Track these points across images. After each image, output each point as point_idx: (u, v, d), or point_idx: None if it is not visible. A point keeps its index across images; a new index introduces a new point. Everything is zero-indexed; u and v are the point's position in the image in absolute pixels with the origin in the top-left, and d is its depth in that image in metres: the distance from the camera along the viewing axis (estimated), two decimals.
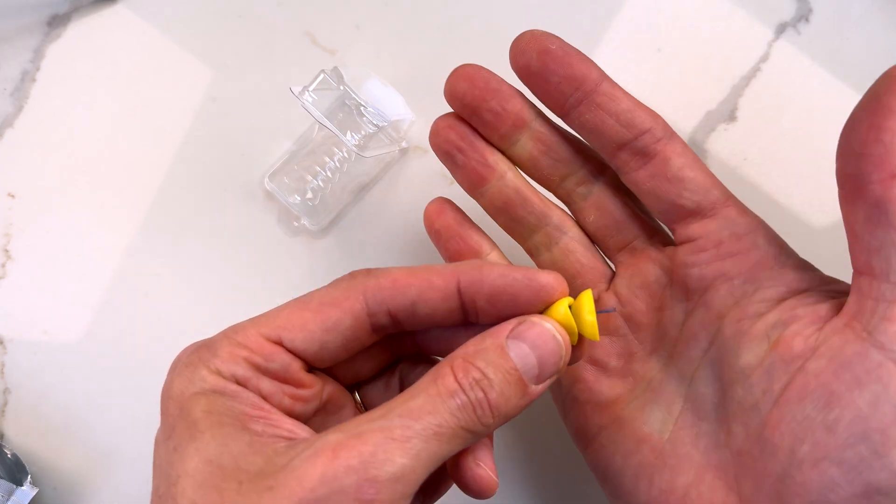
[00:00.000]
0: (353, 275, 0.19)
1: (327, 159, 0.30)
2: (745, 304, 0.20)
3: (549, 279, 0.18)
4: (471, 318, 0.19)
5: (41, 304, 0.30)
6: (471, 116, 0.22)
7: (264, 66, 0.30)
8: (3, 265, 0.30)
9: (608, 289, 0.23)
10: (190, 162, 0.30)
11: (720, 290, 0.20)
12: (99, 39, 0.30)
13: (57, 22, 0.30)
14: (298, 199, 0.29)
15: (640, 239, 0.23)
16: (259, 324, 0.19)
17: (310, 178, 0.30)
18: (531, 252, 0.24)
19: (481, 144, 0.23)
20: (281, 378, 0.18)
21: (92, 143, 0.30)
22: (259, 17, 0.31)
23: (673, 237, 0.22)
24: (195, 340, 0.30)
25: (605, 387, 0.22)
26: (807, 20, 0.31)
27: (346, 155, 0.30)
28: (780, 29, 0.31)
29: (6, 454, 0.28)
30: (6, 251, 0.30)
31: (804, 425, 0.17)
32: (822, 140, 0.30)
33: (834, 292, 0.19)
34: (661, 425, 0.21)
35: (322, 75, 0.26)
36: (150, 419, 0.29)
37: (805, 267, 0.20)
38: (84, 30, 0.30)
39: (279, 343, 0.19)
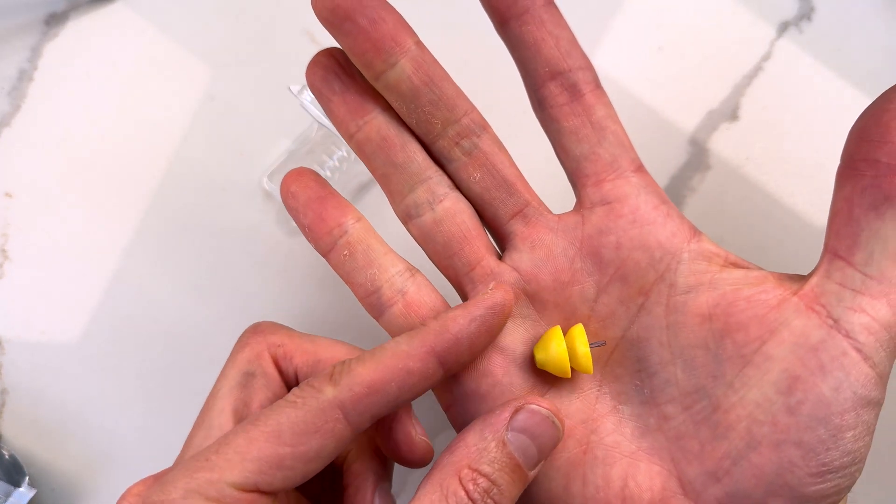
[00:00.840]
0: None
1: (326, 158, 0.30)
2: (672, 278, 0.19)
3: (505, 296, 0.19)
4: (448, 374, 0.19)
5: (39, 305, 0.29)
6: (342, 25, 0.19)
7: (263, 64, 0.30)
8: (1, 265, 0.29)
9: (500, 262, 0.20)
10: (188, 161, 0.30)
11: (640, 261, 0.19)
12: (97, 38, 0.30)
13: (54, 20, 0.30)
14: None
15: (531, 206, 0.20)
16: (225, 467, 0.17)
17: None
18: (408, 214, 0.20)
19: (359, 82, 0.20)
20: None
21: (89, 142, 0.30)
22: (258, 15, 0.31)
23: (579, 198, 0.20)
24: (193, 342, 0.29)
25: (515, 379, 0.20)
26: (809, 19, 0.31)
27: (345, 154, 0.30)
28: (783, 27, 0.31)
29: (4, 455, 0.28)
30: (3, 251, 0.29)
31: (764, 408, 0.17)
32: (824, 139, 0.30)
33: (761, 271, 0.19)
34: (581, 415, 0.19)
35: None
36: (147, 420, 0.29)
37: (715, 244, 0.20)
38: (82, 28, 0.30)
39: (256, 490, 0.17)
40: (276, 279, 0.30)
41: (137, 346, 0.29)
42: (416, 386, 0.18)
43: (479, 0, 0.19)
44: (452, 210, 0.20)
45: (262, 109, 0.30)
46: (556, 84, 0.19)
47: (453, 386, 0.20)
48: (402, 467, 0.29)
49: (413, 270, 0.20)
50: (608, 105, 0.20)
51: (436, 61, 0.20)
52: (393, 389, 0.18)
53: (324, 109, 0.20)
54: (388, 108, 0.20)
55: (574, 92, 0.19)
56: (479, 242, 0.20)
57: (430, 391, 0.21)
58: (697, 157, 0.30)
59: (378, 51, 0.19)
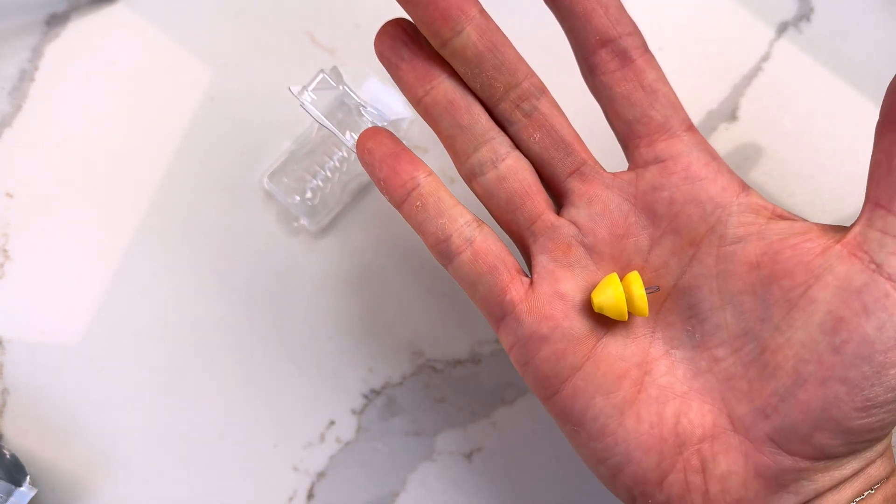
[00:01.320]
0: None
1: (327, 159, 0.30)
2: (722, 230, 0.20)
3: None
4: None
5: (40, 305, 0.29)
6: None
7: (263, 65, 0.30)
8: (2, 265, 0.30)
9: (559, 217, 0.22)
10: (189, 161, 0.30)
11: (692, 215, 0.20)
12: (98, 38, 0.30)
13: (55, 21, 0.30)
14: (298, 199, 0.29)
15: (587, 165, 0.21)
16: None
17: (309, 177, 0.29)
18: (473, 173, 0.22)
19: (425, 49, 0.21)
20: None
21: (90, 142, 0.30)
22: (258, 16, 0.31)
23: (631, 159, 0.21)
24: (194, 342, 0.30)
25: (575, 322, 0.21)
26: (808, 19, 0.31)
27: (345, 154, 0.30)
28: (782, 28, 0.31)
29: (5, 455, 0.28)
30: (4, 251, 0.30)
31: (809, 347, 0.18)
32: (823, 139, 0.30)
33: (806, 222, 0.20)
34: (636, 358, 0.21)
35: (321, 75, 0.26)
36: (149, 420, 0.29)
37: (763, 198, 0.21)
38: (83, 29, 0.30)
39: None
40: (277, 280, 0.30)
41: (138, 345, 0.29)
42: None
43: None
44: (514, 167, 0.21)
45: (262, 109, 0.30)
46: (607, 51, 0.20)
47: (516, 327, 0.21)
48: (400, 465, 0.30)
49: (479, 222, 0.22)
50: (657, 68, 0.21)
51: (498, 28, 0.21)
52: None
53: (392, 76, 0.21)
54: (454, 74, 0.21)
55: (625, 58, 0.20)
56: (539, 198, 0.21)
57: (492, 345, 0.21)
58: None
59: (445, 19, 0.20)
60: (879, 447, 0.19)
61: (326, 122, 0.25)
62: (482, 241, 0.21)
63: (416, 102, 0.21)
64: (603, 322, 0.21)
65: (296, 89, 0.26)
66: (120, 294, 0.29)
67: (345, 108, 0.29)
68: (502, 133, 0.21)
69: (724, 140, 0.30)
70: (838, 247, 0.19)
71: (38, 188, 0.30)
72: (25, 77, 0.30)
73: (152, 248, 0.30)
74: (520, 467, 0.29)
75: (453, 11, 0.20)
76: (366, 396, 0.30)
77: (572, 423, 0.21)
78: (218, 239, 0.30)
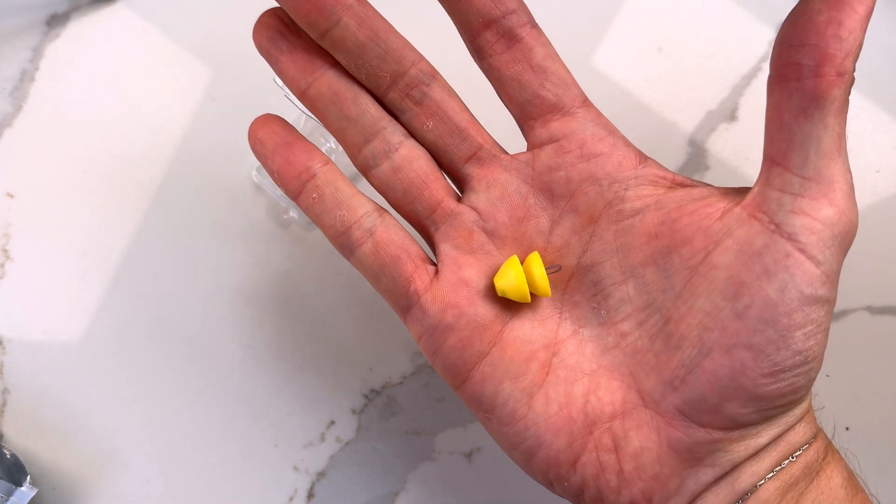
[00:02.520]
0: None
1: None
2: (620, 204, 0.20)
3: None
4: None
5: (40, 305, 0.29)
6: None
7: (263, 65, 0.30)
8: (3, 265, 0.30)
9: (459, 203, 0.21)
10: (189, 161, 0.30)
11: (589, 192, 0.20)
12: (98, 38, 0.30)
13: (56, 21, 0.30)
14: None
15: (484, 149, 0.21)
16: None
17: None
18: (367, 165, 0.21)
19: (305, 40, 0.20)
20: None
21: (91, 142, 0.30)
22: (258, 16, 0.31)
23: (527, 139, 0.21)
24: (194, 341, 0.30)
25: (480, 308, 0.20)
26: None
27: (333, 146, 0.30)
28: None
29: (5, 454, 0.28)
30: (5, 251, 0.30)
31: (712, 315, 0.18)
32: None
33: (706, 187, 0.20)
34: (544, 340, 0.20)
35: None
36: (149, 419, 0.29)
37: (662, 167, 0.20)
38: (83, 29, 0.30)
39: None
40: (277, 274, 0.30)
41: (138, 345, 0.29)
42: None
43: None
44: (409, 157, 0.21)
45: (262, 109, 0.30)
46: (492, 32, 0.20)
47: (422, 317, 0.21)
48: (400, 465, 0.30)
49: (381, 211, 0.21)
50: (546, 44, 0.20)
51: (379, 14, 0.20)
52: None
53: (273, 70, 0.21)
54: (338, 64, 0.20)
55: (511, 38, 0.20)
56: (437, 185, 0.21)
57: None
58: (696, 157, 0.30)
59: (319, 10, 0.19)
60: (797, 411, 0.19)
61: (311, 113, 0.26)
62: (383, 232, 0.21)
63: (301, 95, 0.21)
64: (508, 306, 0.21)
65: (280, 81, 0.26)
66: (120, 294, 0.30)
67: None
68: (394, 122, 0.21)
69: (723, 140, 0.30)
70: (738, 209, 0.18)
71: (39, 188, 0.30)
72: (26, 77, 0.30)
73: (153, 248, 0.30)
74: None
75: (327, 1, 0.19)
76: (366, 396, 0.30)
77: (483, 410, 0.20)
78: (215, 237, 0.30)
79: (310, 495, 0.29)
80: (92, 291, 0.30)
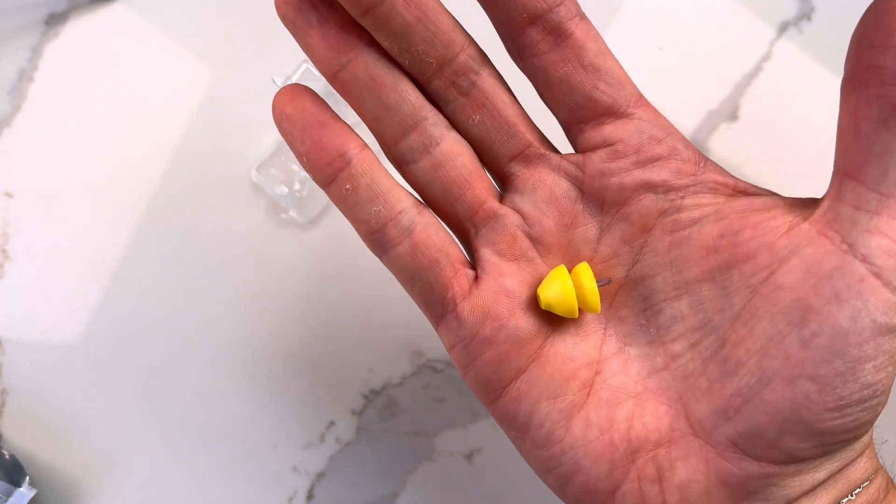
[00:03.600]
0: None
1: None
2: (676, 213, 0.18)
3: None
4: None
5: (39, 305, 0.29)
6: None
7: (263, 64, 0.30)
8: (1, 265, 0.29)
9: (501, 204, 0.19)
10: (188, 161, 0.30)
11: (643, 200, 0.18)
12: (97, 38, 0.30)
13: (54, 21, 0.30)
14: (286, 190, 0.29)
15: (533, 146, 0.19)
16: None
17: (297, 169, 0.29)
18: (403, 160, 0.19)
19: (339, 12, 0.18)
20: None
21: (89, 142, 0.30)
22: (258, 15, 0.31)
23: (575, 142, 0.19)
24: (194, 341, 0.29)
25: (521, 321, 0.18)
26: (809, 19, 0.31)
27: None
28: (783, 28, 0.31)
29: (4, 455, 0.28)
30: (4, 251, 0.29)
31: (775, 341, 0.16)
32: (824, 139, 0.30)
33: (770, 196, 0.18)
34: (586, 358, 0.19)
35: (304, 65, 0.26)
36: (148, 420, 0.29)
37: (724, 172, 0.19)
38: (82, 28, 0.30)
39: None
40: (275, 273, 0.30)
41: (137, 345, 0.29)
42: None
43: None
44: (451, 153, 0.18)
45: (262, 109, 0.30)
46: (537, 29, 0.17)
47: (457, 327, 0.19)
48: (400, 466, 0.29)
49: (420, 207, 0.19)
50: (597, 38, 0.18)
51: None
52: None
53: (300, 45, 0.18)
54: (374, 43, 0.18)
55: (559, 34, 0.17)
56: (480, 185, 0.19)
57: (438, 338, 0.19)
58: None
59: None
60: (858, 446, 0.17)
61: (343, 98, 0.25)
62: (422, 232, 0.19)
63: (332, 78, 0.18)
64: (551, 319, 0.19)
65: (279, 80, 0.26)
66: (119, 294, 0.29)
67: (331, 98, 0.29)
68: (436, 111, 0.18)
69: (724, 140, 0.30)
70: (806, 225, 0.16)
71: (38, 188, 0.30)
72: (25, 77, 0.30)
73: (152, 248, 0.30)
74: (520, 467, 0.29)
75: None
76: (366, 397, 0.30)
77: (516, 430, 0.19)
78: (218, 238, 0.30)
79: (309, 496, 0.29)
80: (91, 291, 0.30)
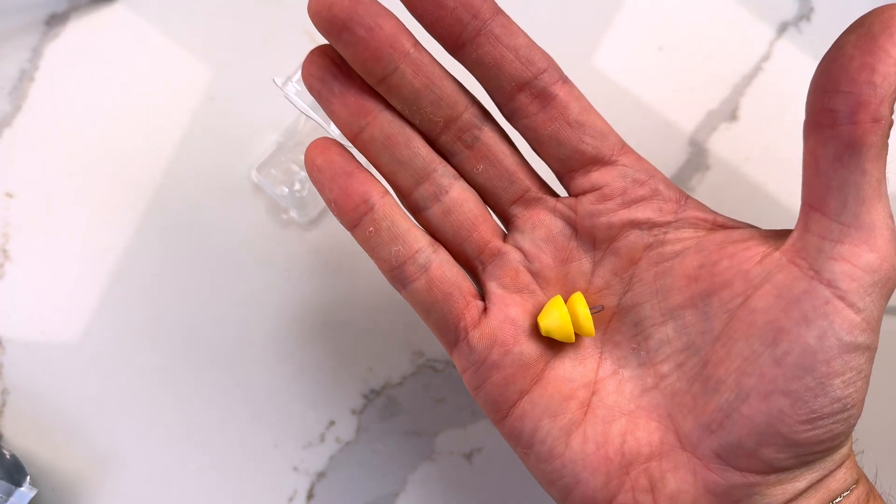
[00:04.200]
0: None
1: None
2: (660, 247, 0.20)
3: None
4: None
5: (39, 305, 0.29)
6: (340, 35, 0.19)
7: (263, 65, 0.30)
8: (2, 265, 0.30)
9: (504, 243, 0.21)
10: (188, 161, 0.30)
11: (630, 236, 0.20)
12: (97, 38, 0.30)
13: (55, 21, 0.30)
14: (286, 190, 0.29)
15: (531, 191, 0.21)
16: None
17: (297, 169, 0.29)
18: (417, 207, 0.21)
19: (357, 81, 0.20)
20: None
21: (90, 142, 0.30)
22: (258, 16, 0.31)
23: (568, 187, 0.21)
24: (193, 341, 0.30)
25: (525, 347, 0.21)
26: (808, 19, 0.31)
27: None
28: (782, 28, 0.31)
29: (5, 455, 0.28)
30: (4, 251, 0.30)
31: (751, 360, 0.18)
32: None
33: (747, 229, 0.20)
34: (584, 379, 0.21)
35: None
36: (148, 420, 0.29)
37: (704, 208, 0.20)
38: (82, 29, 0.30)
39: None
40: (275, 273, 0.30)
41: (138, 345, 0.29)
42: None
43: (427, 31, 0.19)
44: (459, 199, 0.21)
45: (262, 109, 0.30)
46: (525, 94, 0.20)
47: (468, 353, 0.21)
48: (400, 466, 0.29)
49: (435, 246, 0.21)
50: (580, 97, 0.20)
51: (434, 61, 0.20)
52: None
53: (324, 110, 0.21)
54: (389, 105, 0.20)
55: (545, 97, 0.20)
56: (486, 226, 0.21)
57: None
58: (697, 157, 0.30)
59: (377, 59, 0.19)
60: (837, 457, 0.18)
61: (311, 113, 0.25)
62: (437, 269, 0.21)
63: (353, 139, 0.21)
64: (551, 345, 0.21)
65: (280, 80, 0.26)
66: (119, 294, 0.29)
67: None
68: (444, 163, 0.21)
69: (724, 140, 0.30)
70: (777, 254, 0.18)
71: (38, 188, 0.30)
72: (25, 77, 0.30)
73: (152, 248, 0.30)
74: (520, 467, 0.29)
75: (385, 49, 0.19)
76: (366, 396, 0.30)
77: (522, 446, 0.21)
78: (219, 238, 0.30)
79: (309, 496, 0.29)
80: (91, 291, 0.30)
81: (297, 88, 0.26)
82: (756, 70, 0.30)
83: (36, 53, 0.30)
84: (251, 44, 0.30)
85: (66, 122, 0.30)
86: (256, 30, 0.30)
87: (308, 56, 0.20)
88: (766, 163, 0.30)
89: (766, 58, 0.31)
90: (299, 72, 0.26)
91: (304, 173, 0.30)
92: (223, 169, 0.30)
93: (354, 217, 0.21)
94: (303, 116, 0.30)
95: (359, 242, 0.21)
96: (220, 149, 0.30)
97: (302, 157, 0.30)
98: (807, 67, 0.30)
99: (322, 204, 0.30)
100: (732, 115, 0.30)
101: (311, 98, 0.27)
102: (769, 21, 0.31)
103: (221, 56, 0.30)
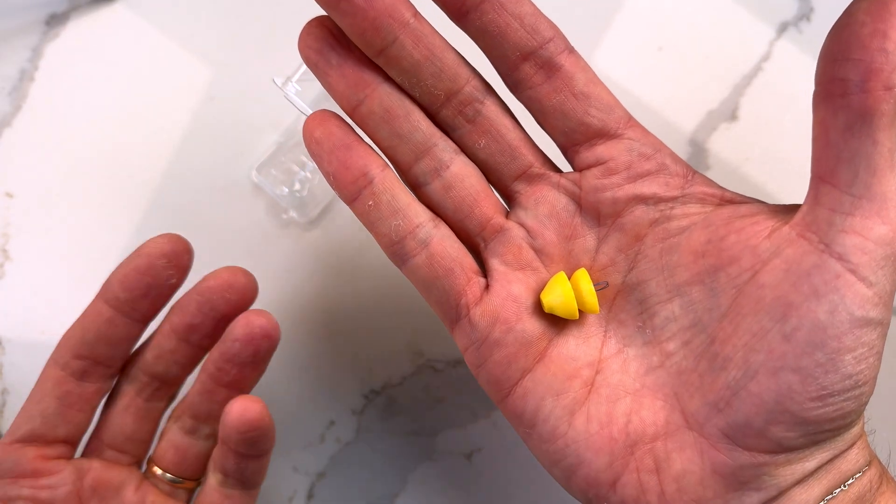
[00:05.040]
0: None
1: None
2: (666, 222, 0.20)
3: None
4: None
5: (39, 305, 0.29)
6: (337, 4, 0.18)
7: (263, 65, 0.30)
8: (2, 265, 0.30)
9: (507, 219, 0.21)
10: (188, 161, 0.30)
11: (635, 211, 0.20)
12: (97, 38, 0.30)
13: (55, 21, 0.30)
14: (286, 190, 0.29)
15: (534, 166, 0.21)
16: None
17: (297, 169, 0.29)
18: (417, 183, 0.21)
19: (355, 53, 0.19)
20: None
21: (90, 142, 0.30)
22: (258, 16, 0.31)
23: (572, 162, 0.21)
24: None
25: (527, 324, 0.20)
26: (808, 19, 0.31)
27: None
28: (782, 28, 0.31)
29: None
30: (4, 251, 0.30)
31: (759, 336, 0.17)
32: None
33: (755, 204, 0.19)
34: (587, 358, 0.20)
35: (304, 66, 0.26)
36: None
37: (712, 183, 0.20)
38: (82, 29, 0.30)
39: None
40: (275, 273, 0.30)
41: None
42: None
43: None
44: (460, 175, 0.20)
45: (262, 109, 0.30)
46: (530, 64, 0.19)
47: (470, 331, 0.20)
48: (400, 466, 0.29)
49: (436, 221, 0.21)
50: (586, 68, 0.20)
51: (435, 32, 0.19)
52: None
53: (321, 83, 0.20)
54: (388, 78, 0.20)
55: (550, 67, 0.19)
56: (487, 202, 0.21)
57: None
58: (697, 157, 0.30)
59: (376, 29, 0.18)
60: (848, 437, 0.18)
61: (309, 112, 0.25)
62: (438, 244, 0.20)
63: (351, 112, 0.20)
64: (555, 323, 0.20)
65: (280, 80, 0.26)
66: None
67: (331, 99, 0.29)
68: (445, 138, 0.20)
69: (724, 140, 0.30)
70: (786, 228, 0.17)
71: (38, 188, 0.30)
72: (25, 77, 0.30)
73: None
74: (520, 467, 0.29)
75: (384, 19, 0.18)
76: (366, 397, 0.30)
77: (524, 426, 0.20)
78: (218, 238, 0.30)
79: (309, 496, 0.29)
80: (91, 291, 0.30)
81: (297, 88, 0.26)
82: (756, 70, 0.31)
83: (36, 53, 0.30)
84: (251, 44, 0.30)
85: (66, 122, 0.30)
86: (256, 30, 0.30)
87: (305, 27, 0.19)
88: (766, 163, 0.30)
89: (766, 58, 0.31)
90: (299, 72, 0.26)
91: (304, 173, 0.30)
92: (223, 169, 0.30)
93: (353, 191, 0.20)
94: (303, 116, 0.30)
95: (358, 217, 0.21)
96: (220, 149, 0.30)
97: (302, 157, 0.30)
98: (807, 67, 0.30)
99: (322, 204, 0.30)
100: (732, 115, 0.30)
101: (310, 98, 0.27)
102: (769, 21, 0.31)
103: (221, 56, 0.30)
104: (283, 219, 0.30)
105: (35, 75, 0.30)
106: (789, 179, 0.30)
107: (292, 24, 0.30)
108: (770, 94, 0.30)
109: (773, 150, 0.30)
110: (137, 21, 0.30)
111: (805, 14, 0.31)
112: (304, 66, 0.26)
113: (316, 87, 0.27)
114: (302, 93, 0.26)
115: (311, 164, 0.29)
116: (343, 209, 0.30)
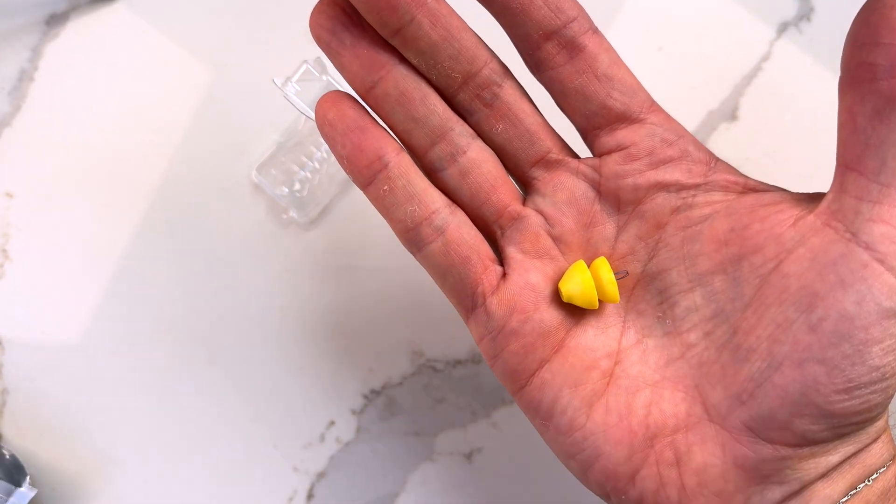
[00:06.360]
0: None
1: (314, 150, 0.30)
2: (688, 210, 0.19)
3: None
4: None
5: (40, 305, 0.29)
6: None
7: (263, 65, 0.30)
8: (2, 265, 0.30)
9: (524, 206, 0.20)
10: (188, 161, 0.30)
11: (656, 199, 0.19)
12: (97, 38, 0.30)
13: (55, 21, 0.30)
14: (286, 190, 0.29)
15: (553, 152, 0.20)
16: None
17: (297, 169, 0.29)
18: (433, 168, 0.20)
19: (369, 32, 0.19)
20: None
21: (90, 142, 0.30)
22: (258, 16, 0.31)
23: (592, 147, 0.20)
24: (193, 341, 0.30)
25: (545, 314, 0.20)
26: (808, 19, 0.31)
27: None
28: (782, 28, 0.31)
29: (5, 455, 0.28)
30: (4, 251, 0.30)
31: (784, 327, 0.17)
32: (823, 139, 0.30)
33: (779, 192, 0.19)
34: (606, 349, 0.20)
35: (305, 66, 0.26)
36: (148, 420, 0.29)
37: (735, 171, 0.20)
38: (82, 29, 0.30)
39: None
40: (275, 273, 0.30)
41: (137, 345, 0.29)
42: None
43: None
44: (477, 160, 0.20)
45: (262, 109, 0.30)
46: (553, 44, 0.19)
47: (486, 320, 0.20)
48: (400, 466, 0.29)
49: (453, 207, 0.20)
50: (609, 49, 0.19)
51: (453, 12, 0.19)
52: None
53: (333, 64, 0.19)
54: (404, 59, 0.19)
55: (573, 47, 0.19)
56: (504, 189, 0.20)
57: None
58: None
59: (393, 8, 0.18)
60: (872, 430, 0.17)
61: (311, 113, 0.25)
62: (455, 231, 0.20)
63: (365, 94, 0.19)
64: (573, 312, 0.20)
65: (279, 81, 0.26)
66: (119, 294, 0.29)
67: None
68: (461, 122, 0.20)
69: (724, 140, 0.30)
70: (811, 217, 0.17)
71: (38, 188, 0.30)
72: (25, 77, 0.30)
73: (152, 248, 0.30)
74: (520, 467, 0.29)
75: None
76: (366, 397, 0.30)
77: (541, 417, 0.20)
78: (218, 238, 0.30)
79: (309, 496, 0.29)
80: (91, 291, 0.30)
81: (296, 88, 0.26)
82: (756, 70, 0.31)
83: (36, 53, 0.30)
84: (251, 44, 0.30)
85: (66, 122, 0.30)
86: (256, 30, 0.30)
87: (316, 6, 0.19)
88: (766, 163, 0.30)
89: (766, 58, 0.31)
90: (299, 72, 0.26)
91: (304, 173, 0.30)
92: (223, 169, 0.30)
93: (368, 174, 0.19)
94: (303, 116, 0.30)
95: (372, 202, 0.20)
96: (220, 149, 0.30)
97: (302, 158, 0.30)
98: (807, 67, 0.30)
99: (322, 204, 0.30)
100: (732, 115, 0.30)
101: (311, 98, 0.27)
102: (769, 21, 0.31)
103: (221, 56, 0.30)
104: (283, 219, 0.30)
105: (35, 75, 0.30)
106: (789, 179, 0.30)
107: (292, 25, 0.31)
108: (770, 94, 0.30)
109: (773, 150, 0.30)
110: (137, 21, 0.30)
111: (805, 14, 0.31)
112: (305, 66, 0.26)
113: (316, 86, 0.27)
114: (302, 93, 0.26)
115: (312, 165, 0.29)
116: (343, 209, 0.30)
